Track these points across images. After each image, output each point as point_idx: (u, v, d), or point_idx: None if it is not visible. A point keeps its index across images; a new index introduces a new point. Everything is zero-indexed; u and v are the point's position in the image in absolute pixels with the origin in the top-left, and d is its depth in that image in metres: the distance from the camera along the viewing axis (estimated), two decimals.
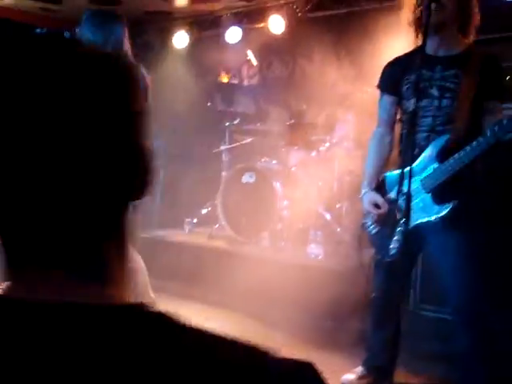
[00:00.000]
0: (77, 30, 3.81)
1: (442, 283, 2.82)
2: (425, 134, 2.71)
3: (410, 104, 2.56)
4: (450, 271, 2.68)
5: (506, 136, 2.41)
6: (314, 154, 5.41)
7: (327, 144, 5.41)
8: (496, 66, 2.74)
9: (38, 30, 3.61)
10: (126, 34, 3.87)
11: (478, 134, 2.66)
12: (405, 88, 2.80)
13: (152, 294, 3.73)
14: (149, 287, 3.75)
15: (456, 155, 2.54)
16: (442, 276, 2.79)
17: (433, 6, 2.51)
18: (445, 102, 2.67)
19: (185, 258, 5.15)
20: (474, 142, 2.49)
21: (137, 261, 3.77)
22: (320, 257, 4.74)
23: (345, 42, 6.07)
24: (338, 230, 5.06)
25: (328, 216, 5.16)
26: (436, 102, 2.69)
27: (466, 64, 2.66)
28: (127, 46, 3.90)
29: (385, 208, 2.79)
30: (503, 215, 3.26)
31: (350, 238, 4.85)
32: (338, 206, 5.25)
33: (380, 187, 2.90)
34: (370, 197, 2.89)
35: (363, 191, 2.96)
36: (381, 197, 2.84)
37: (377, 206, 2.85)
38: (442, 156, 2.63)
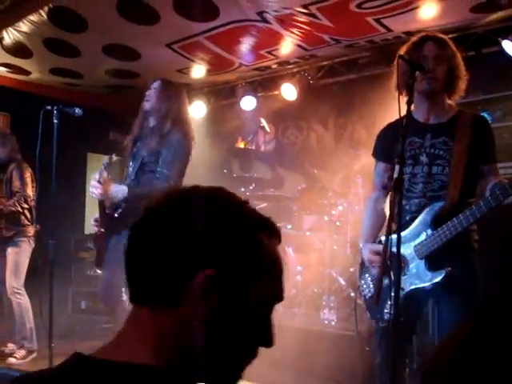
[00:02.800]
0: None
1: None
2: (416, 201, 2.71)
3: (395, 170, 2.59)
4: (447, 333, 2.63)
5: (507, 199, 2.39)
6: (326, 218, 5.42)
7: (340, 208, 5.43)
8: (486, 128, 2.75)
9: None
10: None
11: (472, 198, 2.66)
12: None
13: None
14: None
15: (450, 222, 2.52)
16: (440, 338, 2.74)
17: (417, 73, 2.55)
18: (435, 168, 2.69)
19: None
20: (474, 206, 2.47)
21: None
22: (333, 322, 4.68)
23: (357, 106, 6.17)
24: (352, 294, 5.00)
25: (342, 280, 5.12)
26: (426, 169, 2.70)
27: (456, 130, 2.68)
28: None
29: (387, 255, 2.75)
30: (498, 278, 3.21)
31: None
32: (351, 270, 5.21)
33: None
34: (369, 246, 2.87)
35: (361, 245, 2.95)
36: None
37: (378, 254, 2.81)
38: (435, 222, 2.61)
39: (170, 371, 0.92)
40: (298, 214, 5.74)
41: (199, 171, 6.88)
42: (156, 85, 3.96)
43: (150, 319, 0.95)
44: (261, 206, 6.22)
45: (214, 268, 0.93)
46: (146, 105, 3.90)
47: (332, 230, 5.40)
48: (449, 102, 2.82)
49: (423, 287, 2.63)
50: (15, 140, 5.10)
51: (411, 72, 2.55)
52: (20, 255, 4.76)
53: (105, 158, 3.62)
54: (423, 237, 2.65)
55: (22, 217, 4.78)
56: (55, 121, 3.62)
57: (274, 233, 1.04)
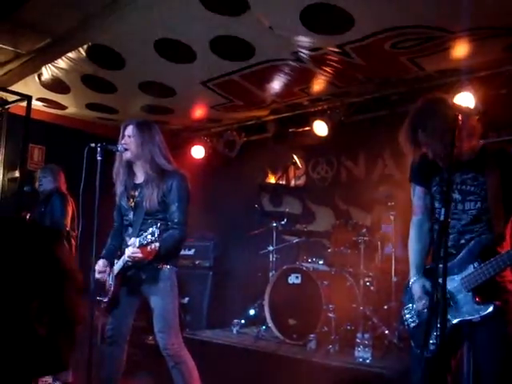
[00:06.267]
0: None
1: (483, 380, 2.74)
2: (450, 236, 2.71)
3: (440, 212, 2.62)
4: (493, 368, 2.61)
5: None
6: (359, 254, 5.41)
7: (373, 245, 5.43)
8: (510, 158, 2.78)
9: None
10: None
11: None
12: (433, 188, 2.88)
13: None
14: None
15: (499, 256, 2.54)
16: (483, 373, 2.70)
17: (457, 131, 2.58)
18: (468, 204, 2.73)
19: (231, 361, 5.11)
20: None
21: None
22: (368, 360, 4.63)
23: (388, 143, 6.19)
24: (386, 332, 4.96)
25: (375, 318, 5.09)
26: (460, 206, 2.75)
27: (484, 165, 2.73)
28: None
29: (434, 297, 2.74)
30: None
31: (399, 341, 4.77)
32: (385, 307, 5.18)
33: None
34: (421, 283, 2.85)
35: (412, 279, 2.93)
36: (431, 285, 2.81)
37: (428, 293, 2.80)
38: (483, 255, 2.62)
39: None
40: (331, 249, 5.74)
41: (230, 205, 6.99)
42: (130, 131, 3.71)
43: None
44: (293, 242, 6.25)
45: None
46: (127, 154, 3.69)
47: (365, 267, 5.39)
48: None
49: (470, 320, 2.62)
50: (62, 174, 5.21)
51: (455, 115, 2.59)
52: None
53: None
54: (470, 269, 2.66)
55: None
56: (99, 158, 3.61)
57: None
